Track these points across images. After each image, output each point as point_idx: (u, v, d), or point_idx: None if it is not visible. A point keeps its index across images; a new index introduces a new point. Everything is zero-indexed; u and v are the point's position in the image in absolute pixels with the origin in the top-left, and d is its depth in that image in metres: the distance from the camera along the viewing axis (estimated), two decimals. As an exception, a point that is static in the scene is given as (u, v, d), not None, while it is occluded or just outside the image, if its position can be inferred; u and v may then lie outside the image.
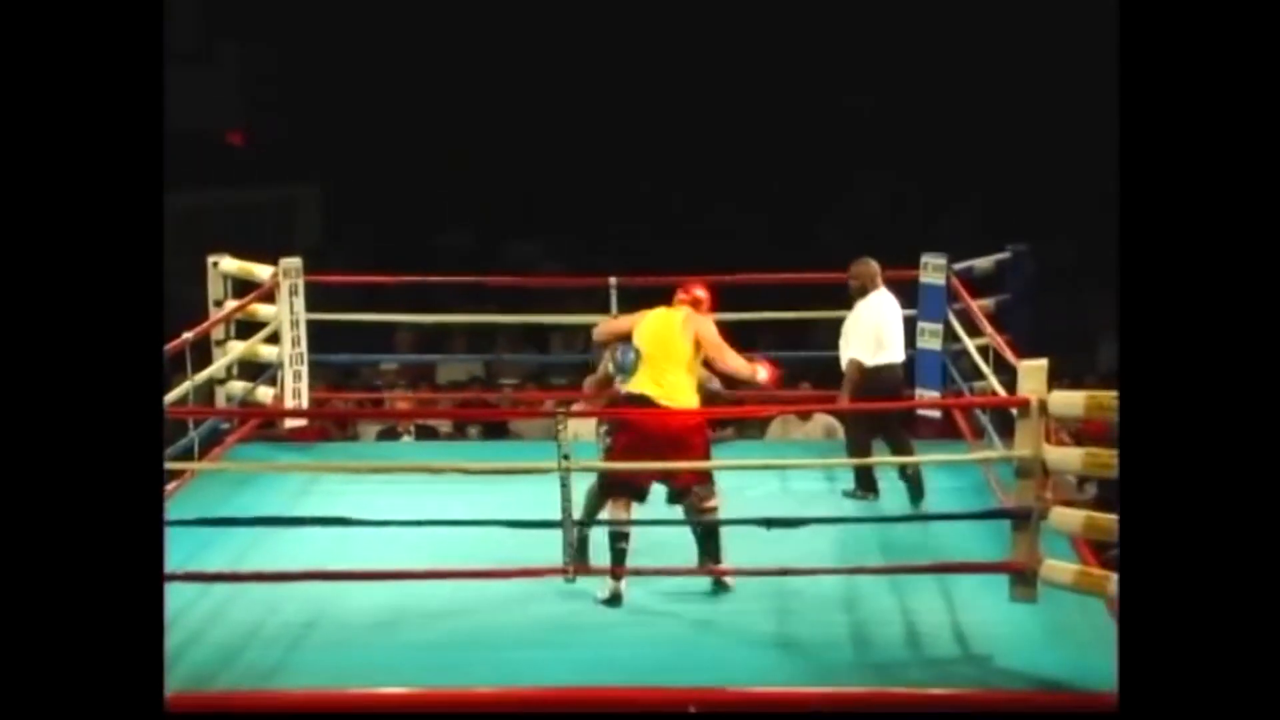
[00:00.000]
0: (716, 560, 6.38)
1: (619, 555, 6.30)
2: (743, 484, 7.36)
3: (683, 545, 6.48)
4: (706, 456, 6.46)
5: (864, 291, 7.77)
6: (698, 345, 6.47)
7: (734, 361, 6.55)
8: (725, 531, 6.43)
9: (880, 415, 7.60)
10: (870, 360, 7.65)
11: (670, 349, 6.43)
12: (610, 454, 6.53)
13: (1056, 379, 6.13)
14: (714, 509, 6.41)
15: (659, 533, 6.45)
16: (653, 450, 6.30)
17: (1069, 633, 6.08)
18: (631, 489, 6.37)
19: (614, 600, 6.28)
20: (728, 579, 6.41)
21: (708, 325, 6.57)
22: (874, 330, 7.69)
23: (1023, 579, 6.10)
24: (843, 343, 7.80)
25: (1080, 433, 7.90)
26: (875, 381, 7.62)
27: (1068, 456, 6.15)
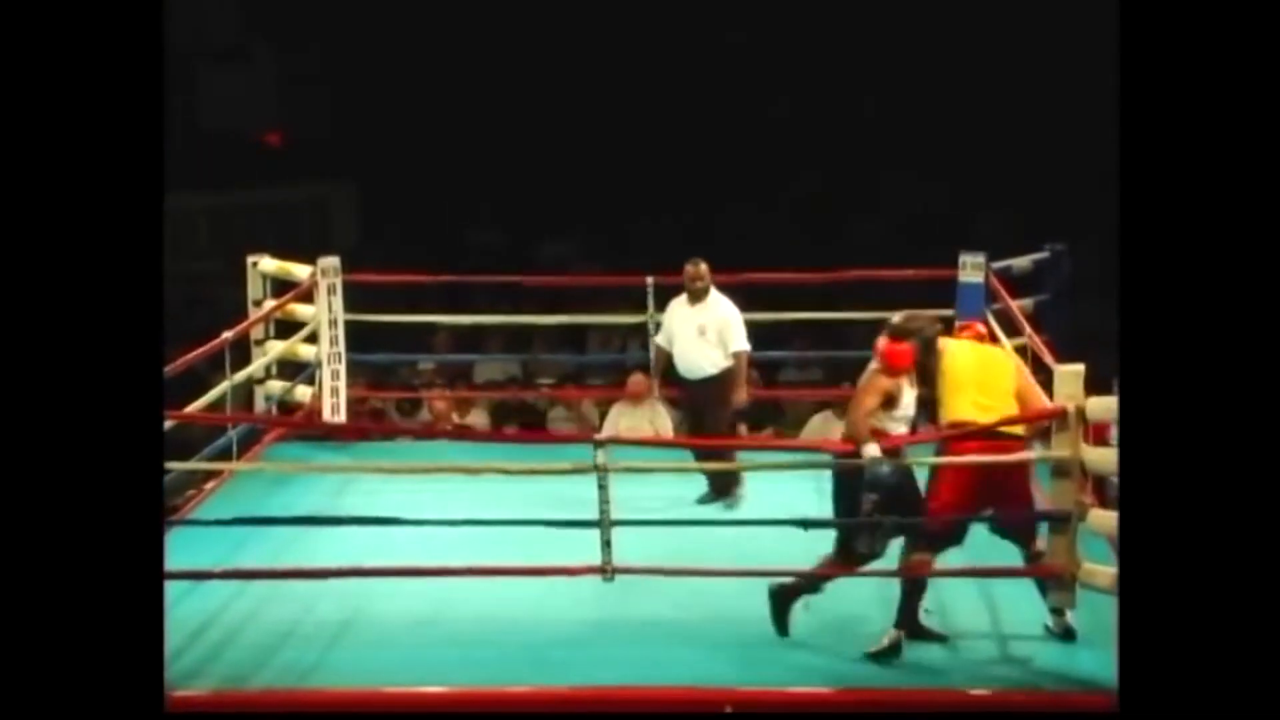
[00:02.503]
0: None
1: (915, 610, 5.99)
2: (778, 483, 7.37)
3: (719, 545, 6.48)
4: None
5: (708, 291, 7.91)
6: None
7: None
8: (760, 532, 6.41)
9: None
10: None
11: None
12: (937, 499, 6.01)
13: (1095, 381, 6.08)
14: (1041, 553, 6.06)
15: (695, 532, 6.45)
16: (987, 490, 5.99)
17: (1107, 634, 6.05)
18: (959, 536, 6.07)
19: (894, 651, 5.92)
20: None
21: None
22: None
23: (1060, 583, 6.06)
24: (709, 340, 7.83)
25: None
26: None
27: (1106, 458, 6.12)
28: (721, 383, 7.83)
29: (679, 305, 8.01)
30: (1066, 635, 6.08)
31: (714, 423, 7.80)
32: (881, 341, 6.08)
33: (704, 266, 7.91)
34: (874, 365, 6.11)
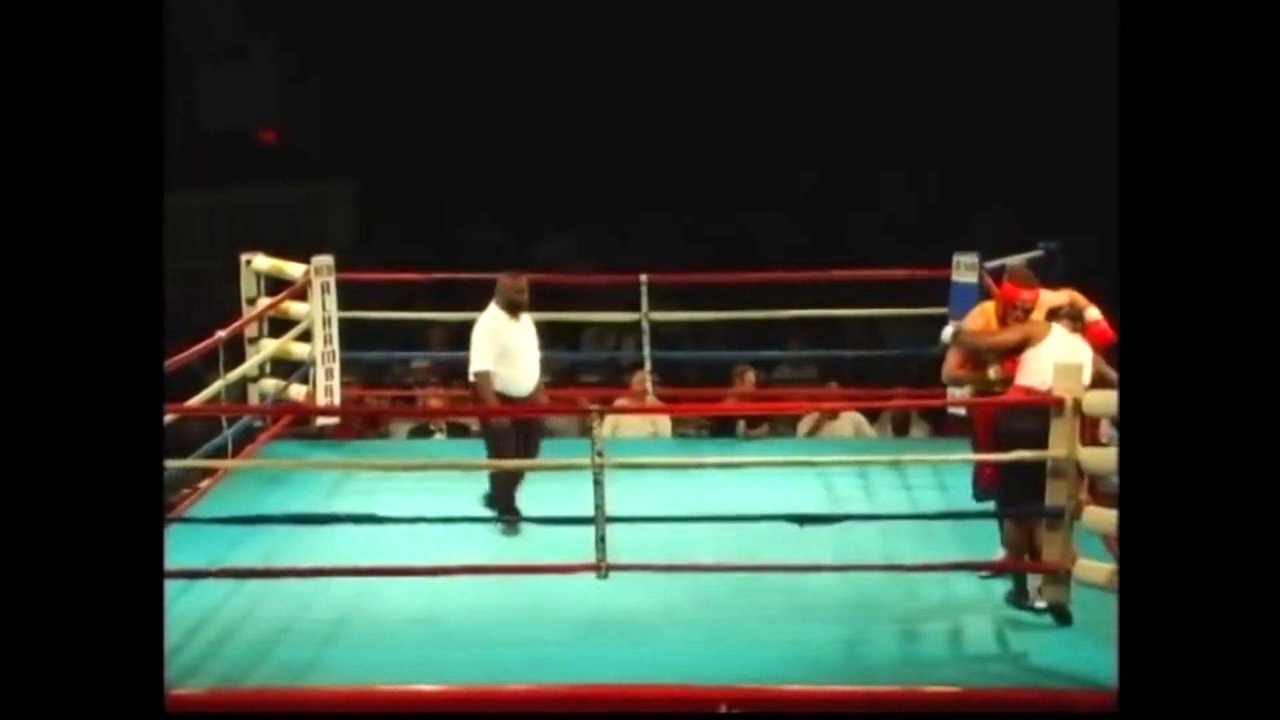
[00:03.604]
0: None
1: None
2: (774, 480, 7.37)
3: (713, 542, 6.48)
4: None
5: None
6: None
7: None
8: (756, 528, 6.42)
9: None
10: None
11: None
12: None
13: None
14: None
15: (691, 529, 6.45)
16: None
17: (1103, 630, 6.06)
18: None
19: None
20: None
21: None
22: None
23: (1055, 578, 6.08)
24: (537, 353, 7.42)
25: None
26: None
27: (1102, 456, 6.13)
28: (540, 395, 7.54)
29: (506, 322, 7.28)
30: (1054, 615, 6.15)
31: (540, 437, 7.50)
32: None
33: (526, 279, 7.40)
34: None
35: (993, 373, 6.42)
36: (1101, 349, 6.35)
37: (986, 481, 6.38)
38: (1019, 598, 6.25)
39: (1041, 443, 6.01)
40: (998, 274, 8.45)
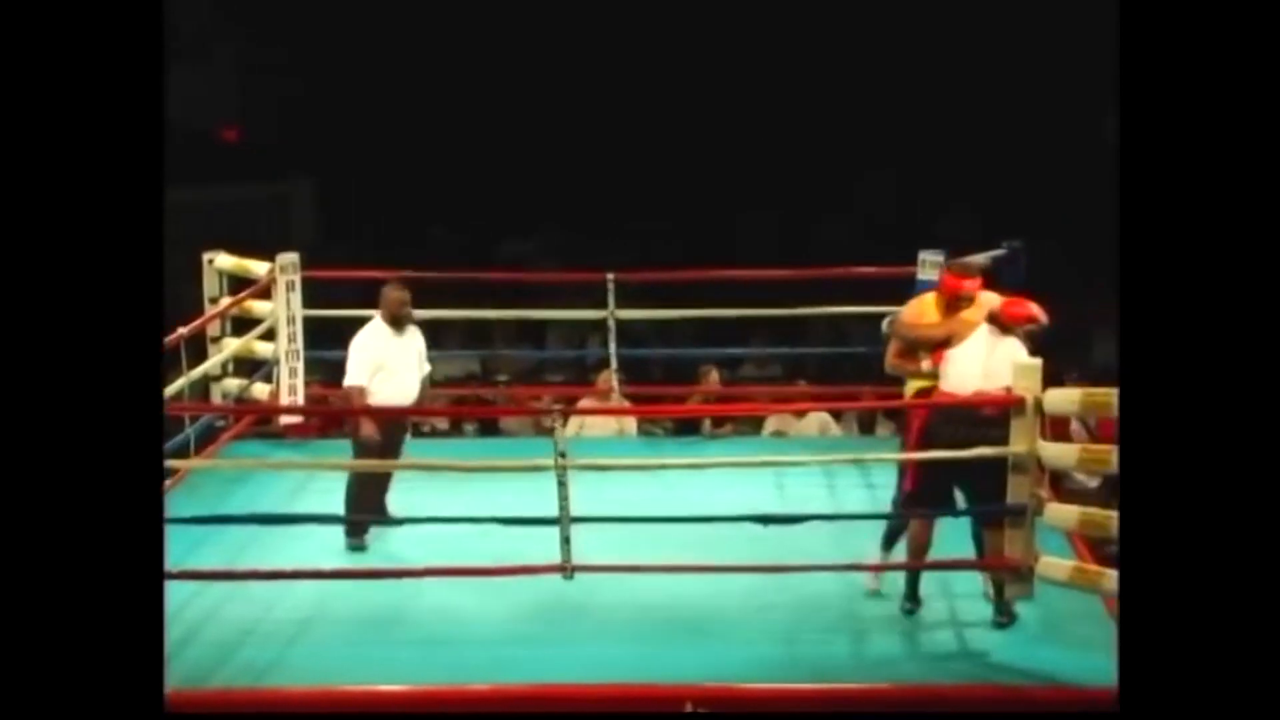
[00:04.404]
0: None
1: None
2: (738, 480, 7.37)
3: (679, 541, 6.48)
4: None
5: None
6: None
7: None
8: (720, 528, 6.42)
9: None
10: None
11: None
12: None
13: (1051, 376, 6.11)
14: None
15: (657, 527, 6.44)
16: None
17: (1064, 628, 6.09)
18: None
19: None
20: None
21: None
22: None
23: (1018, 575, 6.10)
24: (422, 367, 7.24)
25: (1099, 430, 7.94)
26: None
27: (1063, 453, 6.16)
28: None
29: (387, 336, 7.11)
30: (1008, 619, 6.16)
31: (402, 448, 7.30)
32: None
33: (407, 292, 7.21)
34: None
35: (925, 364, 6.45)
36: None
37: (911, 484, 6.33)
38: (909, 602, 6.26)
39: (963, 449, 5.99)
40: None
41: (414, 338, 7.24)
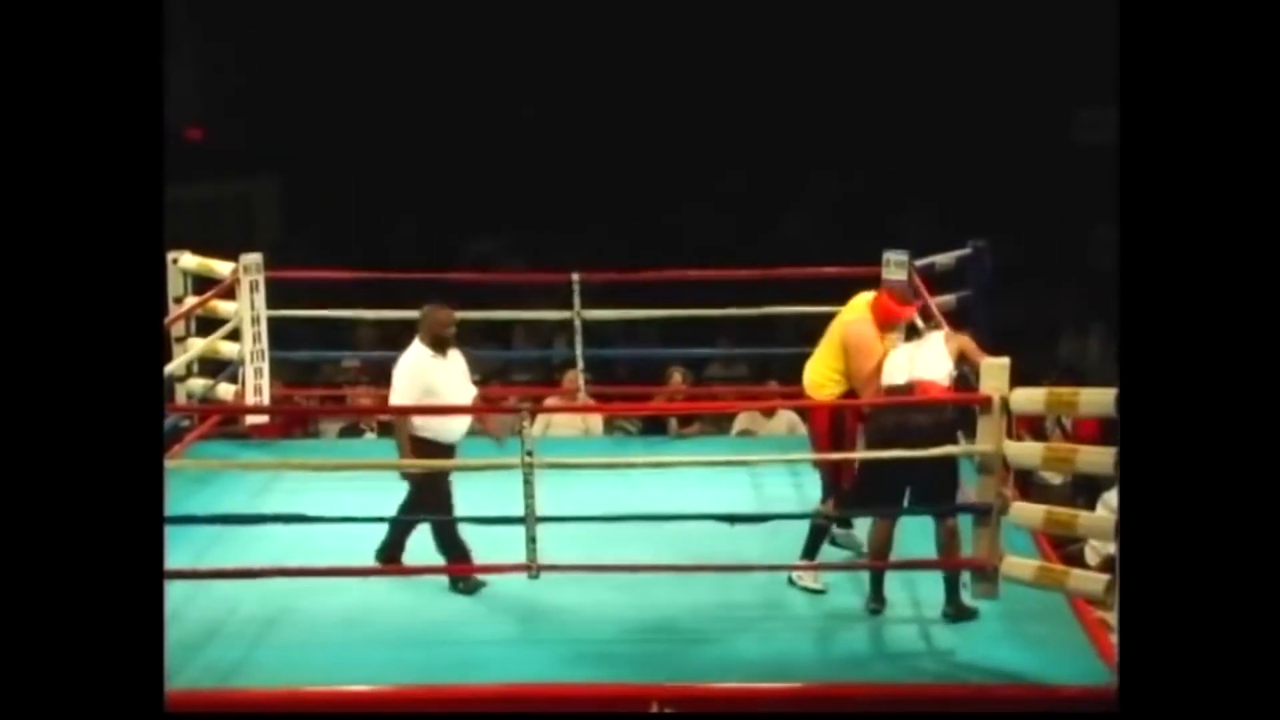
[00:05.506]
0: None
1: None
2: (706, 479, 7.38)
3: (646, 540, 6.48)
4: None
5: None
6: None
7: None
8: (687, 528, 6.43)
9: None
10: None
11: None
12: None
13: (1019, 375, 6.14)
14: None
15: (624, 527, 6.44)
16: None
17: (1028, 627, 6.12)
18: None
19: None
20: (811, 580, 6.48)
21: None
22: None
23: (984, 575, 6.12)
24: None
25: (1076, 430, 7.97)
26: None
27: (1027, 452, 6.19)
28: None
29: (430, 360, 6.57)
30: (963, 615, 6.21)
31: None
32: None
33: (452, 312, 6.69)
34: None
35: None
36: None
37: (847, 479, 6.49)
38: (874, 602, 6.31)
39: (912, 443, 6.07)
40: (926, 272, 8.53)
41: (457, 358, 6.66)
